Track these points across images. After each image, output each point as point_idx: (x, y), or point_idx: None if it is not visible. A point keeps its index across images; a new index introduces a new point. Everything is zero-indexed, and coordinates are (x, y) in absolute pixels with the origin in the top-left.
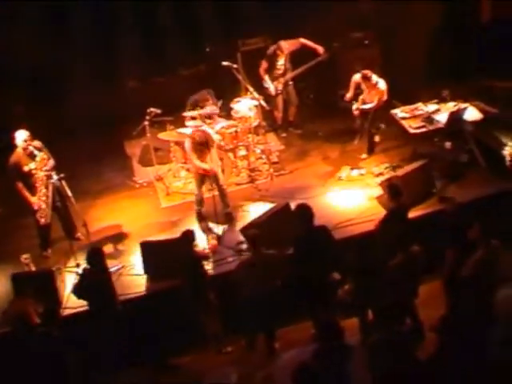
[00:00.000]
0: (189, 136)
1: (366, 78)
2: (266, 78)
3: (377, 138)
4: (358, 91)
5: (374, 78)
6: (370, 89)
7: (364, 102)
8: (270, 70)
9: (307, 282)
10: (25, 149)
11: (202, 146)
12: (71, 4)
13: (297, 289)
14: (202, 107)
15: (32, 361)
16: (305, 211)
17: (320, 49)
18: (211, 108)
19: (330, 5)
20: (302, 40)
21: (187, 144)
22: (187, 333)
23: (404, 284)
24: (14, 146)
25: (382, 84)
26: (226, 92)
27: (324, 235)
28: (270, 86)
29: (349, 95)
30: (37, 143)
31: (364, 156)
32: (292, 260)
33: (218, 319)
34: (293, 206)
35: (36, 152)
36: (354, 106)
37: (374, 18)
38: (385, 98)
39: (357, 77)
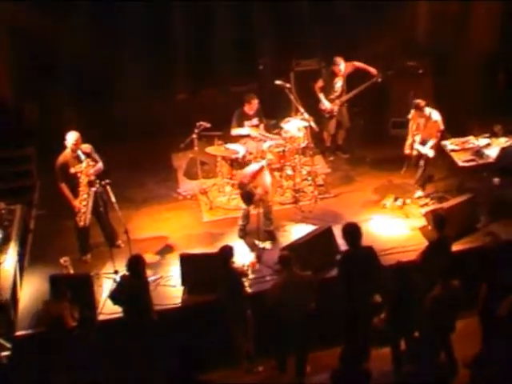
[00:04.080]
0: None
1: (418, 109)
2: (321, 96)
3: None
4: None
5: (427, 110)
6: (425, 122)
7: (423, 140)
8: (326, 91)
9: (349, 301)
10: (73, 150)
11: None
12: (128, 11)
13: (335, 311)
14: (249, 103)
15: (64, 362)
16: (354, 229)
17: (373, 70)
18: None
19: (384, 32)
20: (356, 63)
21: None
22: (219, 349)
23: (441, 317)
24: (63, 147)
25: (436, 115)
26: (277, 111)
27: (370, 256)
28: (326, 103)
29: (409, 141)
30: (86, 146)
31: (419, 194)
32: (336, 277)
33: (252, 337)
34: (335, 229)
35: (83, 157)
36: (411, 145)
37: (428, 47)
38: (441, 127)
39: (412, 113)
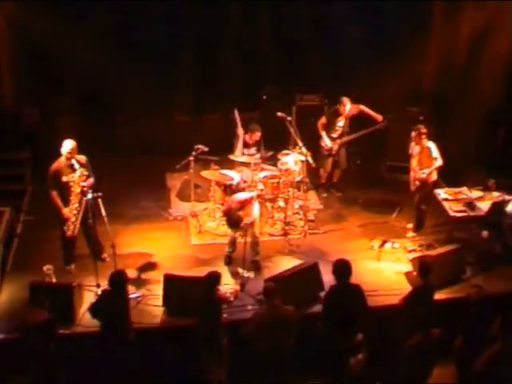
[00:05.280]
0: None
1: (418, 133)
2: (323, 133)
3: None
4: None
5: (425, 140)
6: (420, 150)
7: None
8: (328, 128)
9: (331, 338)
10: (67, 159)
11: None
12: (136, 27)
13: (312, 348)
14: (252, 132)
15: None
16: (344, 266)
17: (379, 117)
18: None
19: (390, 76)
20: (362, 107)
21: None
22: (191, 374)
23: (418, 364)
24: (59, 154)
25: (431, 144)
26: (275, 142)
27: (358, 294)
28: (327, 141)
29: (412, 175)
30: (81, 157)
31: (411, 234)
32: (318, 313)
33: (226, 366)
34: (321, 266)
35: (77, 166)
36: (414, 179)
37: (432, 95)
38: (435, 155)
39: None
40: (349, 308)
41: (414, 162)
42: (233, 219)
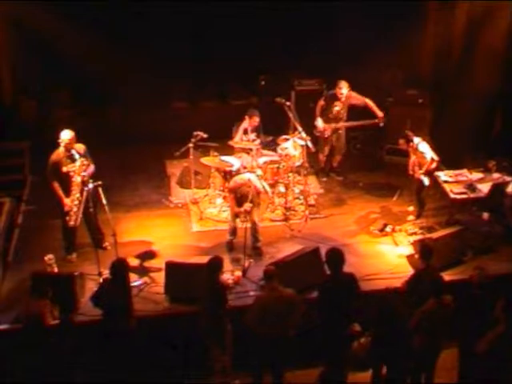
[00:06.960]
0: (232, 187)
1: (405, 139)
2: (318, 115)
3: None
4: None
5: (416, 140)
6: (413, 152)
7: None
8: (325, 111)
9: (327, 328)
10: (66, 149)
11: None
12: (133, 17)
13: (314, 335)
14: (250, 118)
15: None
16: (336, 255)
17: (380, 114)
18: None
19: (388, 60)
20: (367, 100)
21: (229, 194)
22: (196, 360)
23: (432, 336)
24: (57, 145)
25: (423, 146)
26: (274, 128)
27: (351, 284)
28: (319, 122)
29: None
30: (80, 147)
31: (412, 218)
32: (315, 303)
33: (230, 351)
34: (323, 251)
35: (76, 156)
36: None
37: (431, 78)
38: (427, 158)
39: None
40: (343, 298)
41: (412, 157)
42: (242, 194)
